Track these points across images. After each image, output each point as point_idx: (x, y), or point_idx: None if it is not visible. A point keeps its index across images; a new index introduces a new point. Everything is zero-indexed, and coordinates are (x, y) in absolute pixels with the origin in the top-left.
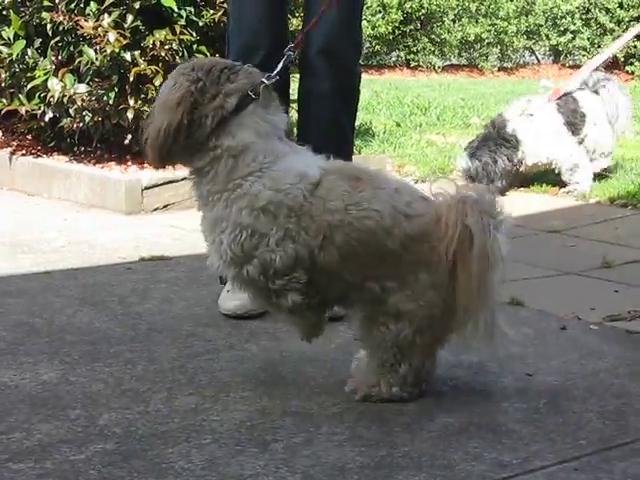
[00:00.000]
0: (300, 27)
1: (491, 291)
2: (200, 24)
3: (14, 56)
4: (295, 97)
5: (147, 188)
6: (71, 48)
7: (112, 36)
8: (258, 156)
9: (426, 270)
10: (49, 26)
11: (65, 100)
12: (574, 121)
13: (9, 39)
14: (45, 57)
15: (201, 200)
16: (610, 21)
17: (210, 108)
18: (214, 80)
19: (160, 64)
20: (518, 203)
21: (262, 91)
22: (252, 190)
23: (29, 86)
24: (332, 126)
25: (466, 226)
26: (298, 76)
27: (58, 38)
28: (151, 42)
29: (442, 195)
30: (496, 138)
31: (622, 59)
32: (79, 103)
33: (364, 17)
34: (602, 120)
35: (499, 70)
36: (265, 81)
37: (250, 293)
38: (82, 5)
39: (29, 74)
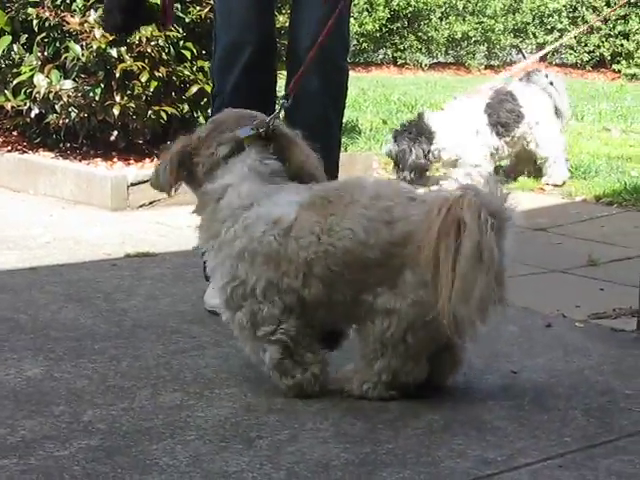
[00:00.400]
0: (287, 24)
1: (480, 296)
2: (187, 20)
3: (0, 52)
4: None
5: (133, 184)
6: (57, 44)
7: (98, 32)
8: (233, 200)
9: (412, 270)
10: (35, 22)
11: (51, 96)
12: (505, 121)
13: None
14: (31, 53)
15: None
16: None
17: (204, 156)
18: (217, 129)
19: (146, 60)
20: None
21: (252, 139)
22: (227, 237)
23: (15, 82)
24: (320, 123)
25: (458, 219)
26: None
27: (44, 34)
28: (137, 38)
29: (443, 190)
30: (417, 127)
31: (609, 58)
32: (65, 99)
33: (351, 14)
34: (546, 118)
35: (486, 68)
36: (257, 130)
37: (240, 339)
38: (68, 1)
39: (15, 70)
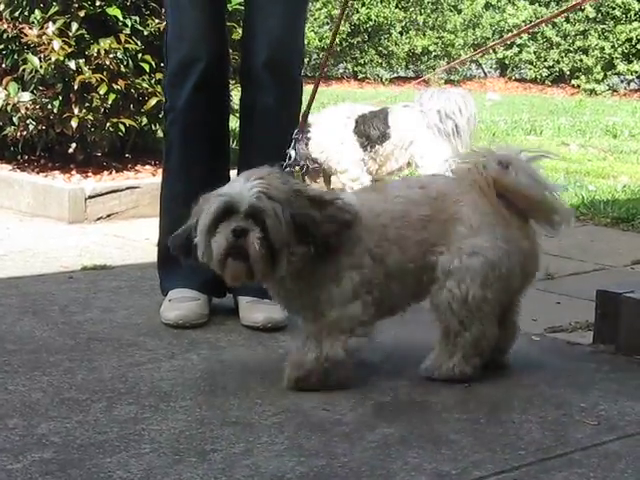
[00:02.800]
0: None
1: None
2: (145, 33)
3: None
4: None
5: (91, 197)
6: (15, 56)
7: (57, 44)
8: None
9: (460, 222)
10: None
11: (9, 109)
12: (369, 135)
13: None
14: None
15: None
16: (557, 35)
17: None
18: None
19: (105, 73)
20: None
21: None
22: None
23: None
24: (276, 137)
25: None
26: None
27: (2, 46)
28: (96, 50)
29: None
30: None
31: (568, 73)
32: (23, 112)
33: (312, 29)
34: (422, 138)
35: (446, 82)
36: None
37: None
38: (26, 13)
39: None
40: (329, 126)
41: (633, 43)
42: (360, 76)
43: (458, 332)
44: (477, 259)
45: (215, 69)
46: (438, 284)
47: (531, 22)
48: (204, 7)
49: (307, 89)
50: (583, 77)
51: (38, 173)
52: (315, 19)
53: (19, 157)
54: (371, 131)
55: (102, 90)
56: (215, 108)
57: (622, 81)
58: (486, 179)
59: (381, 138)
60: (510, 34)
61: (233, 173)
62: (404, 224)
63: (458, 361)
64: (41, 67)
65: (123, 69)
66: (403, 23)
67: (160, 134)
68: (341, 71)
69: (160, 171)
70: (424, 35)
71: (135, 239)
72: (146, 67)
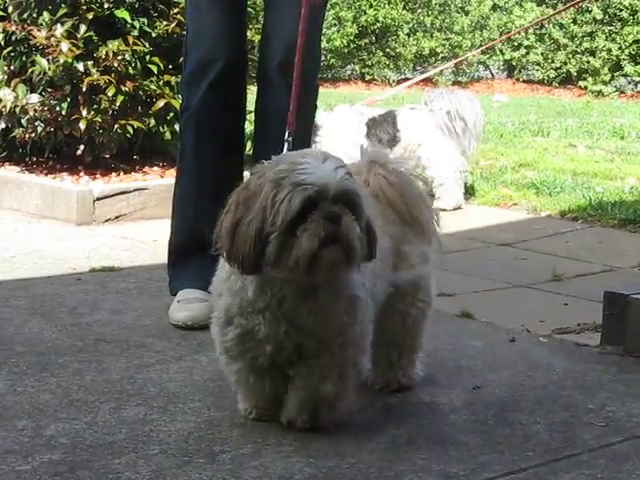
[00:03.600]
0: (256, 39)
1: None
2: (153, 35)
3: None
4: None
5: (99, 199)
6: (23, 58)
7: (65, 46)
8: None
9: None
10: (1, 36)
11: (17, 110)
12: (380, 139)
13: None
14: None
15: None
16: (564, 36)
17: None
18: None
19: (113, 74)
20: (469, 215)
21: None
22: None
23: None
24: None
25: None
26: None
27: (10, 48)
28: (104, 52)
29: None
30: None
31: (575, 74)
32: (31, 113)
33: (321, 31)
34: (432, 139)
35: (453, 84)
36: None
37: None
38: (35, 15)
39: None
40: (341, 129)
41: None
42: (367, 78)
43: None
44: None
45: (232, 69)
46: None
47: (538, 23)
48: (224, 7)
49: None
50: (590, 79)
51: (46, 175)
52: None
53: (27, 159)
54: (382, 135)
55: (110, 92)
56: (230, 108)
57: (629, 82)
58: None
59: (391, 142)
60: (513, 31)
61: (247, 175)
62: None
63: None
64: (49, 69)
65: (131, 71)
66: (410, 25)
67: (168, 136)
68: (348, 72)
69: (168, 172)
70: (431, 37)
71: (143, 241)
72: (154, 69)
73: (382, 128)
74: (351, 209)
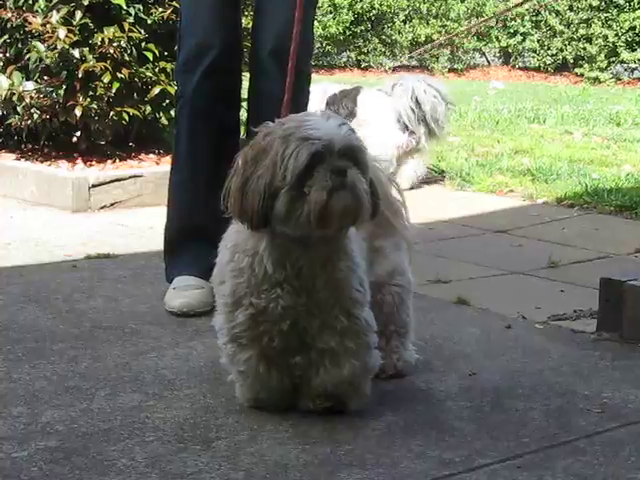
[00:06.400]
0: (250, 26)
1: None
2: (149, 22)
3: None
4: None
5: (94, 186)
6: (19, 45)
7: (62, 32)
8: None
9: None
10: None
11: (13, 98)
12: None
13: None
14: None
15: None
16: (560, 23)
17: None
18: None
19: (109, 61)
20: (465, 202)
21: None
22: None
23: None
24: None
25: None
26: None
27: (6, 35)
28: (100, 39)
29: None
30: None
31: (572, 61)
32: (27, 101)
33: (315, 18)
34: (377, 119)
35: (449, 71)
36: None
37: None
38: (30, 2)
39: None
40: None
41: (637, 31)
42: (363, 65)
43: None
44: None
45: (227, 56)
46: None
47: (534, 10)
48: None
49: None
50: (587, 65)
51: (42, 162)
52: (318, 7)
53: (23, 146)
54: (341, 110)
55: (106, 79)
56: (225, 95)
57: (626, 69)
58: None
59: (348, 116)
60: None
61: None
62: None
63: None
64: (46, 56)
65: (127, 58)
66: (406, 11)
67: (164, 122)
68: (344, 60)
69: (164, 160)
70: (427, 23)
71: (139, 228)
72: (150, 56)
73: (342, 104)
74: (355, 164)
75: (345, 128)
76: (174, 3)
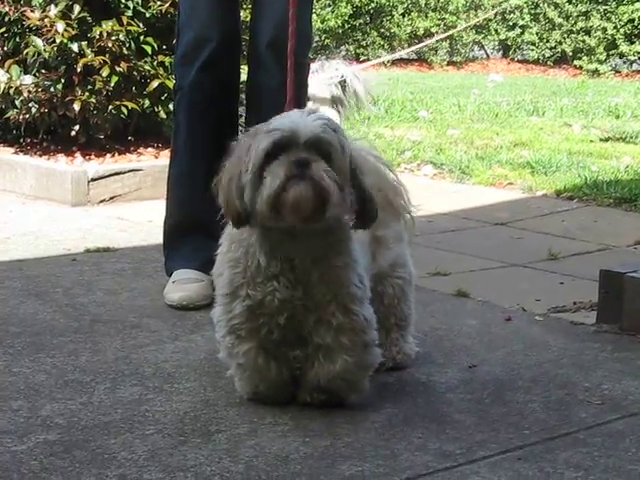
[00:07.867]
0: (247, 19)
1: None
2: (147, 15)
3: None
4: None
5: (93, 180)
6: (17, 39)
7: (61, 26)
8: None
9: None
10: None
11: (11, 92)
12: None
13: None
14: None
15: None
16: (559, 16)
17: None
18: None
19: (107, 55)
20: (464, 195)
21: None
22: None
23: None
24: None
25: None
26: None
27: (4, 29)
28: (98, 33)
29: None
30: None
31: (570, 54)
32: (25, 95)
33: (313, 10)
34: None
35: (448, 64)
36: None
37: None
38: None
39: None
40: None
41: (635, 24)
42: (362, 58)
43: None
44: None
45: (225, 49)
46: None
47: (532, 3)
48: None
49: None
50: (585, 58)
51: (41, 156)
52: (317, 1)
53: (21, 140)
54: None
55: (104, 73)
56: (223, 88)
57: (625, 62)
58: None
59: None
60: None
61: None
62: None
63: None
64: (45, 50)
65: (125, 51)
66: (405, 5)
67: (163, 116)
68: (343, 53)
69: (162, 153)
70: (426, 17)
71: (138, 221)
72: (148, 49)
73: None
74: (325, 158)
75: (319, 122)
76: None
